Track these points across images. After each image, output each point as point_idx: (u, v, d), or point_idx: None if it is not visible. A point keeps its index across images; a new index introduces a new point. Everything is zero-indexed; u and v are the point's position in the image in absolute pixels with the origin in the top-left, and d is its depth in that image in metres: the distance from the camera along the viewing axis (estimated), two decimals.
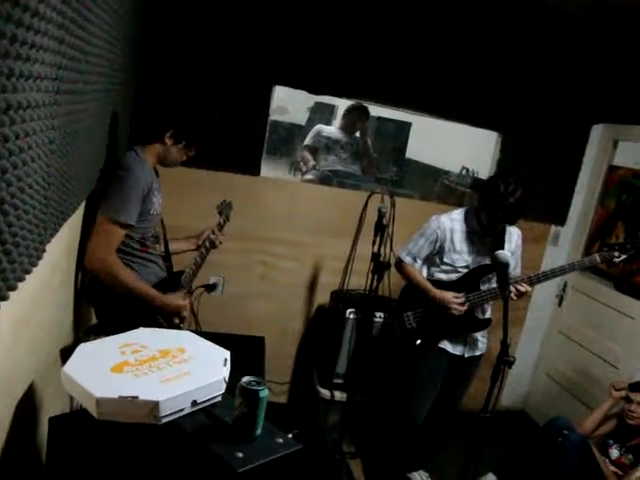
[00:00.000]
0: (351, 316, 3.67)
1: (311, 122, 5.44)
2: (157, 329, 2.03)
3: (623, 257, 3.05)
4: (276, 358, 3.92)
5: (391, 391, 3.64)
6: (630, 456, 3.35)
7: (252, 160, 3.78)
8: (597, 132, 4.43)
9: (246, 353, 3.55)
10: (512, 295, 2.95)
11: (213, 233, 2.92)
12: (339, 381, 3.72)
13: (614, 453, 3.47)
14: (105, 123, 2.50)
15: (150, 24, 3.43)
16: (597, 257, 3.05)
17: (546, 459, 3.51)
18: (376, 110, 5.07)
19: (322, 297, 4.09)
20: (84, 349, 1.75)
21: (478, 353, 3.27)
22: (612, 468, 3.36)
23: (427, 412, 3.29)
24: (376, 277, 3.17)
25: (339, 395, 3.70)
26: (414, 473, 3.63)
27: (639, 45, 4.00)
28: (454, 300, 3.06)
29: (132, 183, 2.40)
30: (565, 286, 4.58)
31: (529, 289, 3.00)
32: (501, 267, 2.36)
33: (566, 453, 3.35)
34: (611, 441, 3.55)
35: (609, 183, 4.38)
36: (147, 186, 2.46)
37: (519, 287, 2.97)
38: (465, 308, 3.07)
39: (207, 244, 2.90)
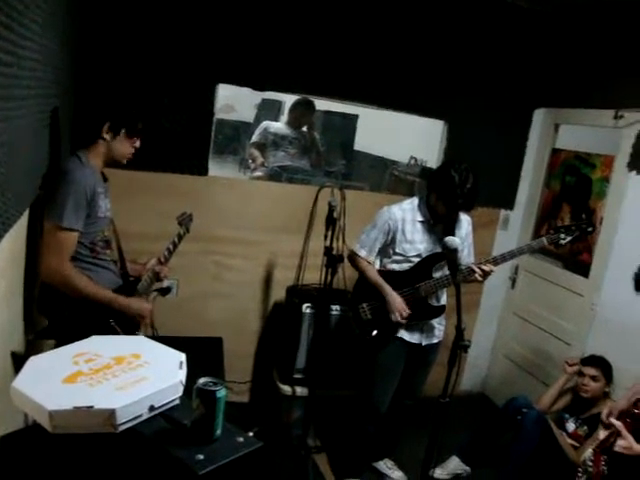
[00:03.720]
0: (307, 311, 3.67)
1: (258, 119, 5.41)
2: (110, 336, 1.99)
3: (569, 239, 3.13)
4: (235, 357, 3.91)
5: (352, 383, 3.65)
6: (585, 428, 3.45)
7: (199, 160, 3.74)
8: (539, 116, 4.54)
9: (204, 355, 3.52)
10: (477, 276, 3.02)
11: (159, 263, 2.86)
12: (299, 376, 3.72)
13: (570, 426, 3.57)
14: (44, 129, 2.43)
15: (88, 25, 3.34)
16: (544, 240, 3.12)
17: (507, 438, 3.60)
18: (323, 104, 5.08)
19: (278, 294, 4.07)
20: (34, 362, 1.70)
21: (435, 340, 3.31)
22: (569, 441, 3.46)
23: (389, 401, 3.31)
24: (330, 271, 3.17)
25: (300, 390, 3.70)
26: (380, 462, 3.67)
27: (577, 31, 4.10)
28: (400, 307, 3.11)
29: (73, 188, 2.36)
30: (517, 268, 4.67)
31: (494, 268, 3.06)
32: (451, 253, 2.38)
33: (525, 430, 3.43)
34: (567, 415, 3.65)
35: (553, 166, 4.48)
36: (90, 189, 2.41)
37: (484, 267, 3.02)
38: (405, 321, 3.12)
39: (150, 274, 2.85)
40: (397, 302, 3.11)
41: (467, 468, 3.76)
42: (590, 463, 3.02)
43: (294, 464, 3.45)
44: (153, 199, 3.60)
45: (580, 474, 3.31)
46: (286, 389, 3.73)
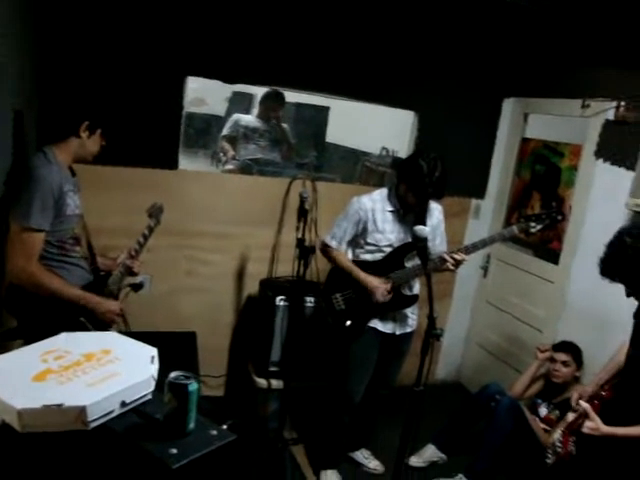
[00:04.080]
0: (281, 303, 3.67)
1: (230, 112, 5.38)
2: (80, 333, 1.97)
3: (539, 227, 3.17)
4: (210, 352, 3.90)
5: (327, 374, 3.66)
6: (557, 412, 3.52)
7: (169, 154, 3.70)
8: (509, 106, 4.58)
9: (178, 349, 3.52)
10: (449, 265, 3.04)
11: (130, 257, 2.84)
12: (274, 369, 3.72)
13: (543, 411, 3.64)
14: (6, 125, 2.39)
15: (51, 16, 3.28)
16: (515, 228, 3.16)
17: (481, 424, 3.64)
18: (294, 96, 5.07)
19: (251, 287, 4.06)
20: (1, 362, 1.68)
21: (409, 330, 3.33)
22: (542, 425, 3.52)
23: (364, 392, 3.33)
24: (302, 262, 3.17)
25: (276, 383, 3.70)
26: (356, 452, 3.69)
27: (544, 21, 4.13)
28: (380, 286, 3.11)
29: (40, 187, 2.32)
30: (489, 257, 4.72)
31: (465, 257, 3.08)
32: (420, 242, 2.39)
33: (499, 417, 3.49)
34: (539, 400, 3.72)
35: (523, 155, 4.53)
36: (57, 187, 2.38)
37: (455, 256, 3.04)
38: (389, 297, 3.13)
39: (122, 269, 2.82)
40: (374, 283, 3.12)
41: (443, 455, 3.79)
42: (559, 444, 3.10)
43: (271, 457, 3.45)
44: (123, 194, 3.56)
45: (549, 455, 3.39)
46: (261, 382, 3.73)
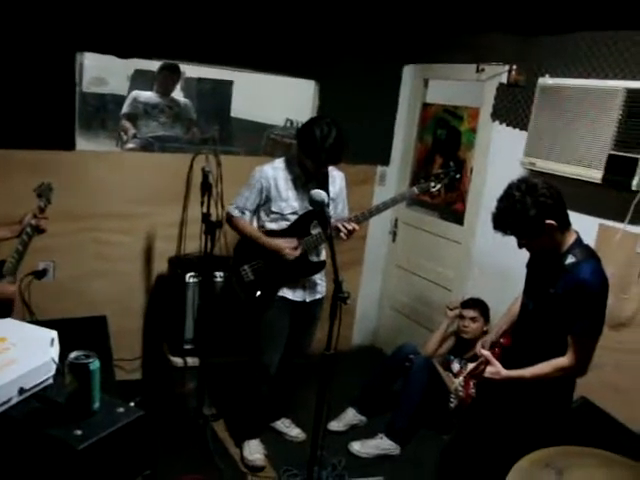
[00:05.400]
0: (191, 280, 3.64)
1: (132, 91, 5.21)
2: None
3: (439, 186, 3.26)
4: (123, 335, 3.84)
5: (242, 348, 3.66)
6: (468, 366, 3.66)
7: (64, 134, 3.53)
8: (409, 72, 4.64)
9: (89, 335, 3.42)
10: (342, 235, 3.07)
11: (34, 217, 2.75)
12: (189, 347, 3.69)
13: (455, 366, 3.78)
14: None
15: None
16: (415, 189, 3.24)
17: (398, 385, 3.75)
18: (196, 71, 4.97)
19: (160, 266, 3.98)
20: None
21: (319, 296, 3.37)
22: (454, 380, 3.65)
23: (279, 361, 3.36)
24: (209, 237, 3.15)
25: (192, 361, 3.67)
26: (277, 422, 3.73)
27: None
28: (286, 245, 3.13)
29: None
30: (396, 222, 4.81)
31: (357, 227, 3.12)
32: (318, 206, 2.41)
33: (414, 375, 3.60)
34: (452, 357, 3.86)
35: (424, 120, 4.62)
36: None
37: (347, 225, 3.07)
38: (298, 252, 3.15)
39: (29, 230, 2.74)
40: (279, 243, 3.13)
41: (363, 418, 3.88)
42: (460, 389, 3.26)
43: (193, 434, 3.45)
44: (16, 179, 3.38)
45: (452, 399, 3.57)
46: (177, 361, 3.69)
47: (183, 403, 3.71)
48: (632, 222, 2.97)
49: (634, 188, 2.87)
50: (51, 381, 1.70)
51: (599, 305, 2.28)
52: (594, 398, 3.12)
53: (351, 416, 3.86)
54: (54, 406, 1.61)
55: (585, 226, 2.67)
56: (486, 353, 2.41)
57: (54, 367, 1.70)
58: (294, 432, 3.70)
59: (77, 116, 3.64)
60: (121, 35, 3.53)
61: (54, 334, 1.78)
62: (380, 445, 3.60)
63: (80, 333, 3.25)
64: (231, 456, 3.46)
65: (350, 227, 3.08)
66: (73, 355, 1.58)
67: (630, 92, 2.89)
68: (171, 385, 3.79)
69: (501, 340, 2.65)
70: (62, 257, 3.71)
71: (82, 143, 3.75)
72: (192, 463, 3.24)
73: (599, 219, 3.19)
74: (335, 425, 3.77)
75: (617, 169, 2.92)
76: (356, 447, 3.58)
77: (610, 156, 2.95)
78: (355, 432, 3.78)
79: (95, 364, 1.60)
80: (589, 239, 2.60)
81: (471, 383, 3.23)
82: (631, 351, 3.07)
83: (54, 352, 1.71)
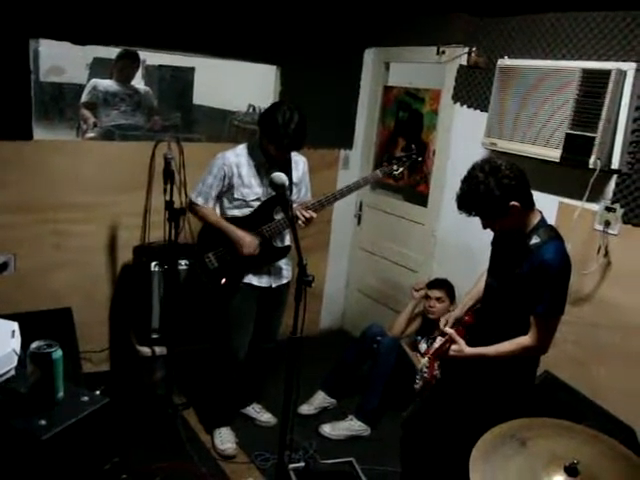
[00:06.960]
0: (156, 269, 3.61)
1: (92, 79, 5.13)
2: None
3: (402, 169, 3.28)
4: (89, 327, 3.80)
5: (209, 335, 3.65)
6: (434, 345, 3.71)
7: (20, 124, 3.44)
8: (370, 56, 4.64)
9: (53, 327, 3.39)
10: (300, 223, 3.06)
11: None
12: (156, 336, 3.67)
13: (423, 347, 3.83)
14: None
15: None
16: (379, 172, 3.25)
17: (366, 366, 3.79)
18: (157, 58, 4.90)
19: (125, 255, 3.94)
20: None
21: (284, 281, 3.38)
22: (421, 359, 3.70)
23: (248, 348, 3.37)
24: (173, 225, 3.13)
25: (159, 350, 3.65)
26: (247, 408, 3.74)
27: None
28: (246, 237, 3.12)
29: None
30: (361, 205, 4.83)
31: (314, 215, 3.12)
32: (279, 189, 2.41)
33: (382, 356, 3.64)
34: (419, 337, 3.91)
35: (386, 103, 4.63)
36: None
37: (304, 213, 3.08)
38: (258, 249, 3.15)
39: None
40: (242, 236, 3.12)
41: (333, 400, 3.91)
42: (425, 369, 3.31)
43: (163, 423, 3.44)
44: None
45: (417, 380, 3.62)
46: (145, 350, 3.67)
47: (153, 392, 3.70)
48: (590, 199, 3.03)
49: (591, 166, 2.92)
50: (13, 372, 1.68)
51: (561, 285, 2.31)
52: (557, 372, 3.20)
53: (321, 399, 3.88)
54: (17, 397, 1.60)
55: (546, 204, 2.73)
56: (450, 331, 2.45)
57: (15, 359, 1.68)
58: (265, 417, 3.71)
59: (33, 105, 3.55)
60: (77, 21, 3.44)
61: (15, 325, 1.76)
62: (350, 427, 3.63)
63: (45, 326, 3.23)
64: (202, 444, 3.46)
65: (307, 215, 3.08)
66: (35, 345, 1.57)
67: (585, 72, 2.93)
68: (140, 375, 3.77)
69: (465, 318, 2.69)
70: (23, 249, 3.65)
71: (40, 133, 3.67)
72: (163, 452, 3.24)
73: (559, 197, 3.25)
74: (305, 409, 3.80)
75: (575, 148, 2.97)
76: (327, 429, 3.62)
77: (568, 135, 3.00)
78: (325, 415, 3.82)
79: (57, 353, 1.59)
80: (550, 217, 2.64)
81: (435, 365, 3.28)
82: (591, 325, 3.15)
83: (15, 343, 1.69)
